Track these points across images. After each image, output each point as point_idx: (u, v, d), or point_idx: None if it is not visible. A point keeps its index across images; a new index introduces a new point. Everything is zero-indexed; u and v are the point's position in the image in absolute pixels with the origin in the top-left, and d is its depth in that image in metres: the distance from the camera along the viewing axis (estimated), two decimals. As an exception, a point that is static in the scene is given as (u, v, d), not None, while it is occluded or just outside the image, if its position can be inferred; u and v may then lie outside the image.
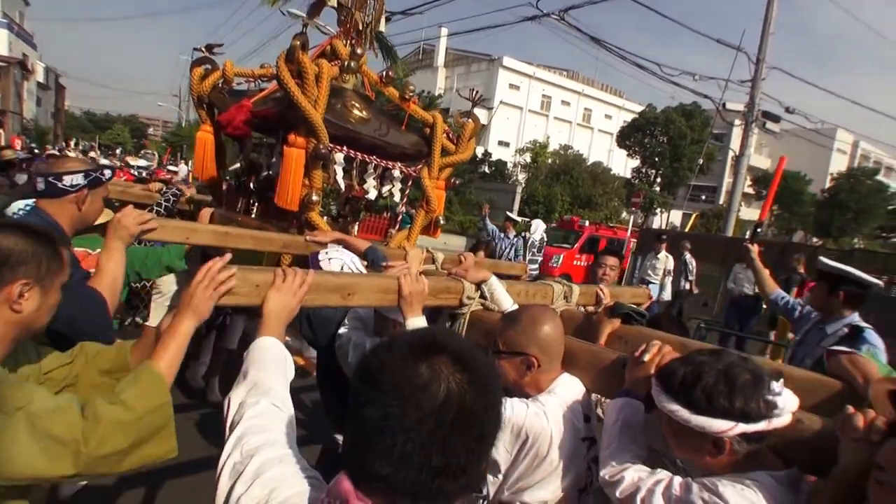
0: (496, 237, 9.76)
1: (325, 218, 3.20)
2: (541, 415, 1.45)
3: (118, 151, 41.31)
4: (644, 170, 29.45)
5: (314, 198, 2.81)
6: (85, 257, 2.25)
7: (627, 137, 29.68)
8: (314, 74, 2.66)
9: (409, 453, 0.69)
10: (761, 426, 1.12)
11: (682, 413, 1.16)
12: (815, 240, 29.19)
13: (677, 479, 1.20)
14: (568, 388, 1.57)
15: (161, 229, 2.08)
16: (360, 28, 3.33)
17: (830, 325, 2.84)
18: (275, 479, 0.85)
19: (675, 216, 32.04)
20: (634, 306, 2.06)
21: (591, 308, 2.30)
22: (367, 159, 3.01)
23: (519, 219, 11.13)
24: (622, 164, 37.21)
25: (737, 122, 15.97)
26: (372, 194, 3.10)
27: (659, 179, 27.90)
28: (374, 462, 0.71)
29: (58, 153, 19.84)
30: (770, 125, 14.55)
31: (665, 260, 9.19)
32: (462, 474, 0.72)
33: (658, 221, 29.15)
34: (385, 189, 3.19)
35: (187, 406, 4.02)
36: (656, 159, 27.55)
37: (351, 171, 2.98)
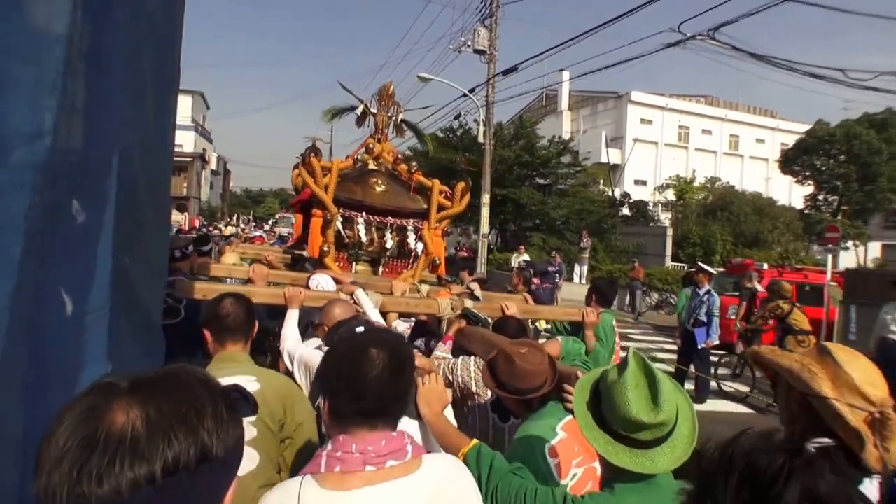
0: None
1: (358, 263, 4.36)
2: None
3: (270, 222, 46.38)
4: (822, 196, 24.99)
5: (325, 248, 3.97)
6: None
7: (793, 161, 25.62)
8: (320, 169, 3.96)
9: (380, 393, 1.20)
10: None
11: None
12: None
13: None
14: None
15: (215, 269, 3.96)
16: (381, 127, 4.53)
17: None
18: None
19: (874, 248, 26.47)
20: (476, 312, 3.00)
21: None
22: (383, 221, 4.16)
23: (712, 270, 8.87)
24: (784, 193, 32.41)
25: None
26: (389, 244, 4.15)
27: (844, 207, 23.31)
28: (358, 405, 1.19)
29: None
30: None
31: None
32: (404, 400, 1.30)
33: (854, 257, 24.10)
34: (410, 240, 4.21)
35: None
36: (837, 183, 23.17)
37: (370, 228, 4.13)
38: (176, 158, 34.53)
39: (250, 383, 1.81)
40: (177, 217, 23.34)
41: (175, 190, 33.53)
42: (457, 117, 20.06)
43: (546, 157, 21.53)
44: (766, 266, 13.74)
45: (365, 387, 1.17)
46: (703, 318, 7.62)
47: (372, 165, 4.33)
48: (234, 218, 45.33)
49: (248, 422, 1.88)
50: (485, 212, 17.39)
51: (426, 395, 1.65)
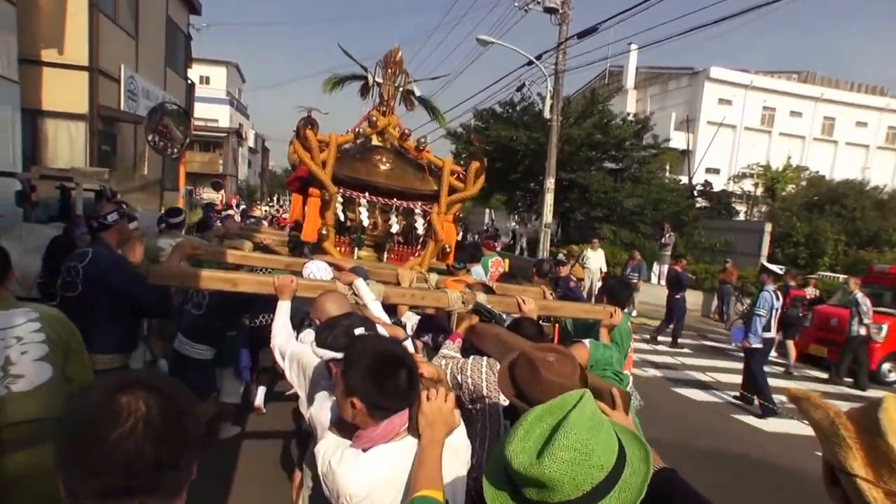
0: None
1: (361, 248, 4.11)
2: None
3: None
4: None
5: (323, 231, 3.80)
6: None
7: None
8: (316, 144, 3.69)
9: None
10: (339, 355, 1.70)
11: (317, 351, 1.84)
12: None
13: None
14: None
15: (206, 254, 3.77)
16: (386, 98, 4.25)
17: None
18: None
19: None
20: (490, 307, 2.79)
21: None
22: (388, 202, 3.96)
23: (777, 269, 8.08)
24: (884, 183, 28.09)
25: None
26: (395, 228, 3.97)
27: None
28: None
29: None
30: None
31: None
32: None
33: None
34: (417, 224, 4.00)
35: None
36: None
37: (374, 210, 3.93)
38: (210, 134, 32.68)
39: (27, 314, 1.88)
40: (212, 195, 22.81)
41: (210, 167, 32.64)
42: (519, 88, 17.41)
43: (621, 137, 18.54)
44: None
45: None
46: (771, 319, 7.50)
47: (376, 141, 4.16)
48: (275, 198, 44.06)
49: (38, 340, 1.88)
50: (549, 198, 14.86)
51: (432, 413, 1.40)
